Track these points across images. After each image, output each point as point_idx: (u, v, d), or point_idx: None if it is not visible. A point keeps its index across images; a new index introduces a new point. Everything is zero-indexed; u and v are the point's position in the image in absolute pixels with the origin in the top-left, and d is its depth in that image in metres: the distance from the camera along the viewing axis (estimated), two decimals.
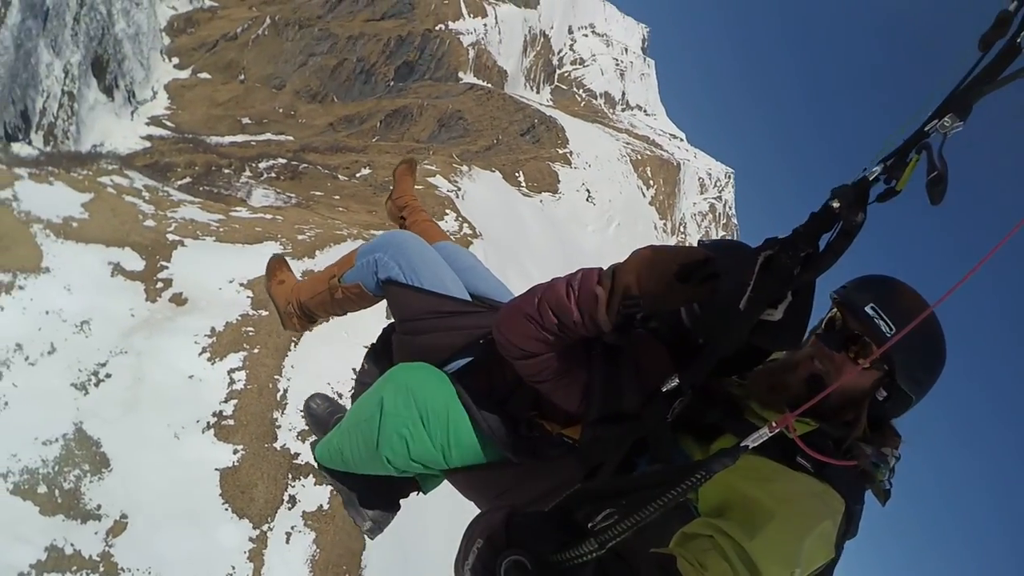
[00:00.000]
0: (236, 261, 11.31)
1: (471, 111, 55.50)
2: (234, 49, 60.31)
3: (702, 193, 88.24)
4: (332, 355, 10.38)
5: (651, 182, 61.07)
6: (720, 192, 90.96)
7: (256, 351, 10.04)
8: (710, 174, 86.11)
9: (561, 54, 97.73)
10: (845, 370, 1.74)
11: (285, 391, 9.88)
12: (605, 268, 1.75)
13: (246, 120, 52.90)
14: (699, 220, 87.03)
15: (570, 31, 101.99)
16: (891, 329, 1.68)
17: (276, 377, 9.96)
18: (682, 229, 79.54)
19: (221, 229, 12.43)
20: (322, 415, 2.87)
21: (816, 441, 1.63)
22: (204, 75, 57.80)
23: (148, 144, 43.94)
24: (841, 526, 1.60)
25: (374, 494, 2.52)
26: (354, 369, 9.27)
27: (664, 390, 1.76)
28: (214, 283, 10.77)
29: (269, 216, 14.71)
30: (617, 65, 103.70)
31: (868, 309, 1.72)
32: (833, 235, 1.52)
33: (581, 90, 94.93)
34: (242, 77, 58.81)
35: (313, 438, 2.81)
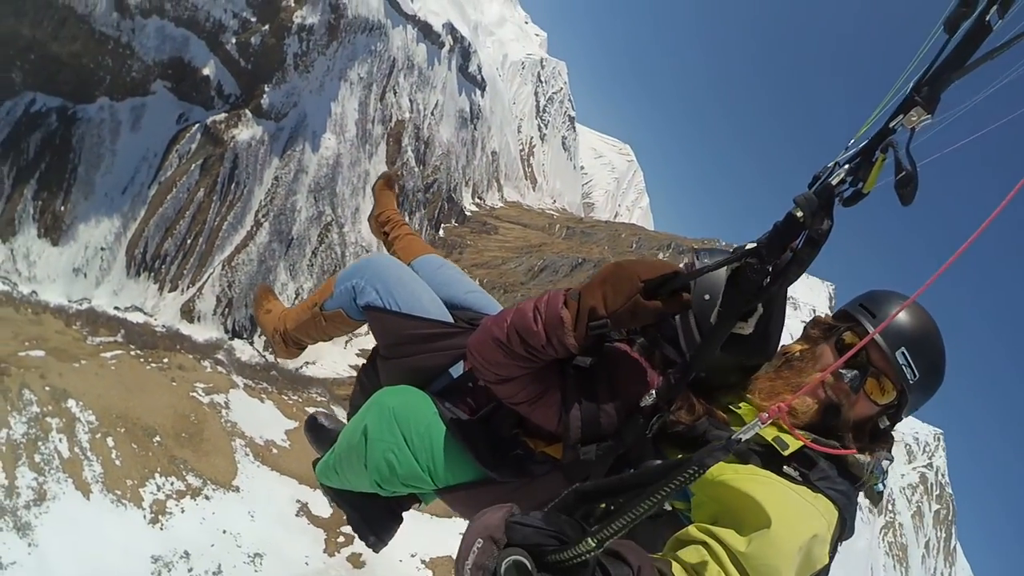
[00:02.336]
0: (422, 533, 10.13)
1: None
2: None
3: (910, 462, 77.57)
4: None
5: None
6: (930, 459, 79.46)
7: None
8: (917, 439, 76.66)
9: None
10: (858, 405, 1.79)
11: None
12: (572, 289, 1.76)
13: None
14: (909, 494, 75.24)
15: None
16: (915, 376, 1.72)
17: None
18: (890, 507, 69.07)
19: None
20: (324, 434, 2.79)
21: (808, 452, 1.68)
22: None
23: (355, 374, 48.68)
24: (835, 532, 1.62)
25: (376, 508, 2.50)
26: None
27: (642, 405, 1.80)
28: (396, 553, 9.69)
29: None
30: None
31: (899, 356, 1.71)
32: (799, 244, 1.50)
33: None
34: None
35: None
